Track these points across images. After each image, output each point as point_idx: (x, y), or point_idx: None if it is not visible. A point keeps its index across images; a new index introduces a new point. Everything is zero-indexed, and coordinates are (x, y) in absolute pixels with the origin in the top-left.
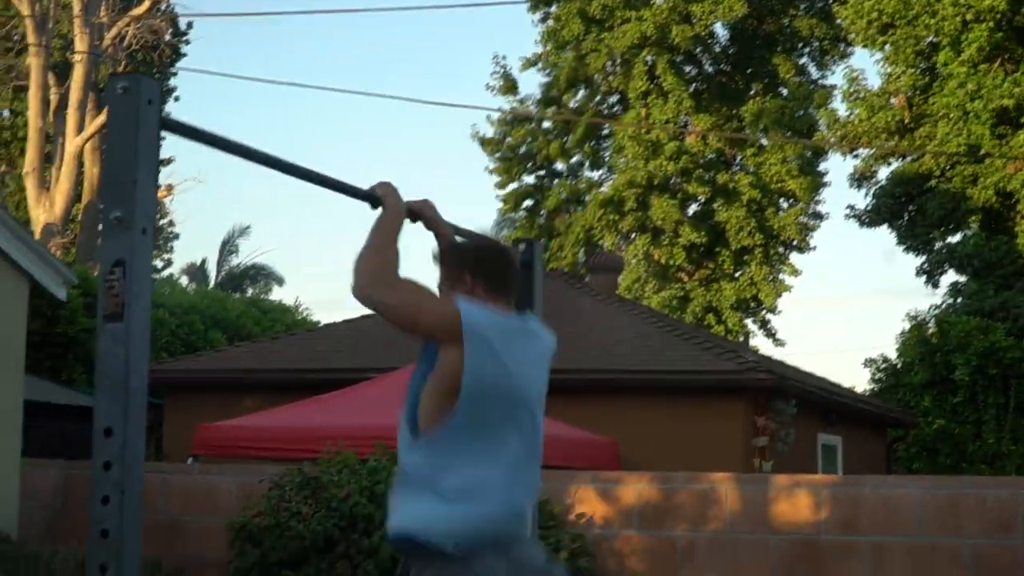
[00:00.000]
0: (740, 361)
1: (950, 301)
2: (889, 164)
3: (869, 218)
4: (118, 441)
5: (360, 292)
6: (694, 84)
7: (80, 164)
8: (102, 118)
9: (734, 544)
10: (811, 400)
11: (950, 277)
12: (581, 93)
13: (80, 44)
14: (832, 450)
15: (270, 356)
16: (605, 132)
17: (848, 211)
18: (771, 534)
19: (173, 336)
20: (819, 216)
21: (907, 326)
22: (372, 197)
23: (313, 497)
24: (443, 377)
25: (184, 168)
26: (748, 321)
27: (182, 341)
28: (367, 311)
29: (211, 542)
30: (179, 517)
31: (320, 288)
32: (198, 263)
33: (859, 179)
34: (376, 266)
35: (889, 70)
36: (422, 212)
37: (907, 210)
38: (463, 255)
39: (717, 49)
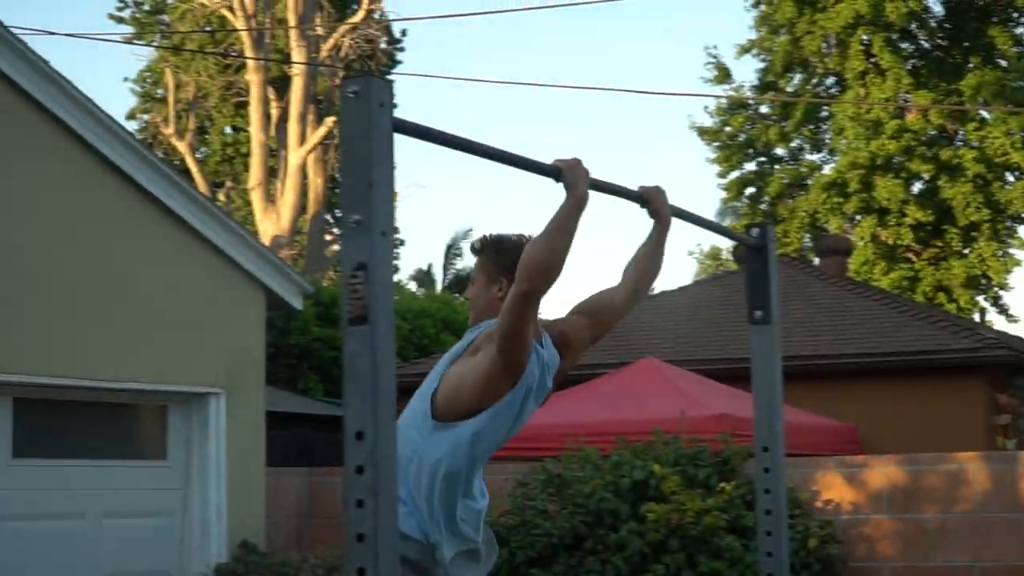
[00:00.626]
0: (978, 338)
1: None
2: None
3: None
4: (369, 444)
5: (522, 285)
6: (911, 61)
7: (304, 176)
8: (324, 129)
9: (987, 525)
10: None
11: None
12: (798, 77)
13: (297, 57)
14: None
15: None
16: (824, 114)
17: None
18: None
19: (406, 341)
20: None
21: None
22: (556, 172)
23: (558, 494)
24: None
25: (404, 174)
26: (980, 299)
27: (415, 345)
28: None
29: None
30: None
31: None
32: (425, 268)
33: None
34: (542, 261)
35: None
36: (653, 199)
37: None
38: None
39: (933, 24)
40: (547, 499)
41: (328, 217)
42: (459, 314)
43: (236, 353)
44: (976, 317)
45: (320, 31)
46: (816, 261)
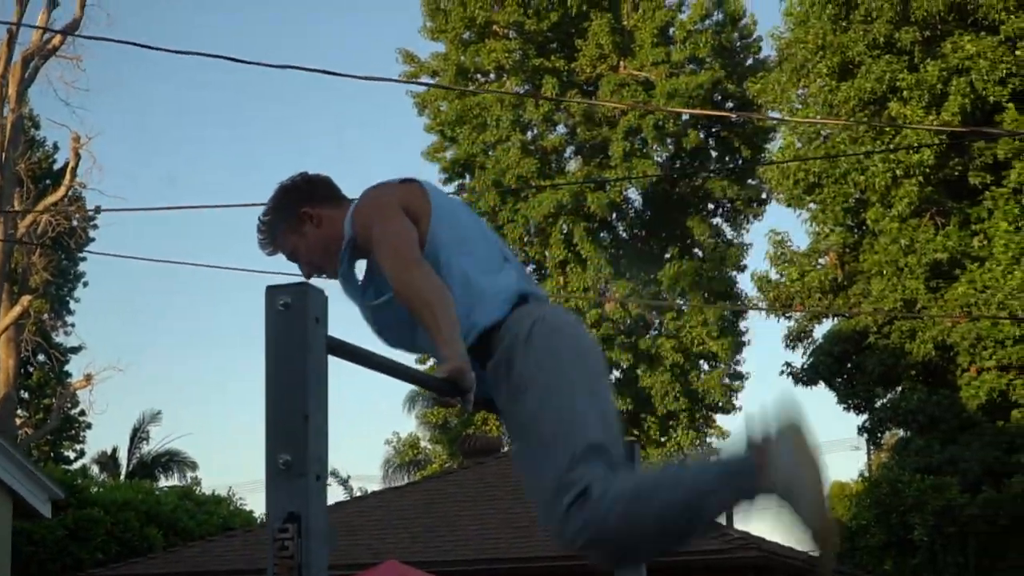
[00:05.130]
0: (727, 539)
1: (895, 458)
2: (822, 323)
3: (807, 376)
4: None
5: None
6: (611, 250)
7: None
8: (18, 308)
9: None
10: (794, 574)
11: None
12: None
13: None
14: None
15: (227, 555)
16: None
17: (784, 368)
18: None
19: (108, 536)
20: (741, 376)
21: (844, 482)
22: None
23: None
24: None
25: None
26: None
27: (117, 540)
28: None
29: None
30: None
31: (237, 471)
32: (109, 452)
33: (794, 339)
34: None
35: (818, 228)
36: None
37: (845, 368)
38: (290, 192)
39: (632, 214)
40: None
41: (16, 398)
42: (164, 505)
43: None
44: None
45: (17, 206)
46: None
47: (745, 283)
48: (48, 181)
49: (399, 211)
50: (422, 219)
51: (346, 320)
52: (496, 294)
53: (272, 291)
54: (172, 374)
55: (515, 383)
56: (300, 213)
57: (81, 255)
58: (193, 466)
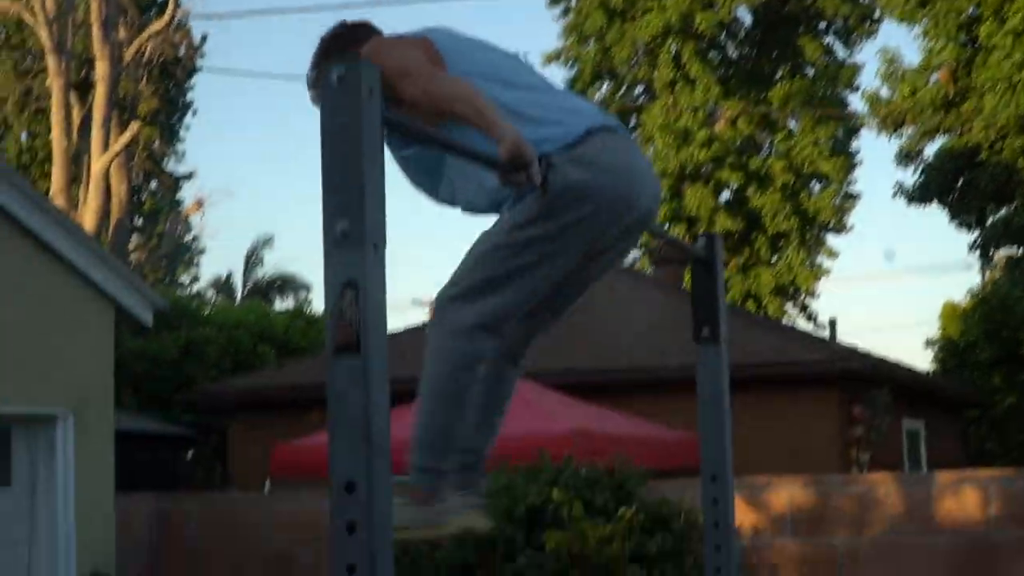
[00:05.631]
0: (831, 350)
1: (1005, 275)
2: (935, 140)
3: (919, 194)
4: (363, 497)
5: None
6: (721, 70)
7: (107, 183)
8: (128, 135)
9: (898, 548)
10: (896, 386)
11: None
12: (606, 86)
13: (101, 62)
14: (915, 435)
15: None
16: (633, 124)
17: (896, 188)
18: (937, 535)
19: (223, 353)
20: (853, 196)
21: (956, 302)
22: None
23: None
24: None
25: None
26: (788, 306)
27: (231, 358)
28: (423, 316)
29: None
30: (289, 549)
31: None
32: (224, 276)
33: (906, 157)
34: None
35: (930, 44)
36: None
37: (956, 185)
38: (332, 42)
39: (742, 34)
40: None
41: (131, 224)
42: (276, 325)
43: (84, 373)
44: (832, 328)
45: (123, 35)
46: (650, 271)
47: (857, 103)
48: (152, 10)
49: (400, 42)
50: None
51: None
52: None
53: (327, 65)
54: (283, 197)
55: None
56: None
57: (188, 84)
58: (307, 288)
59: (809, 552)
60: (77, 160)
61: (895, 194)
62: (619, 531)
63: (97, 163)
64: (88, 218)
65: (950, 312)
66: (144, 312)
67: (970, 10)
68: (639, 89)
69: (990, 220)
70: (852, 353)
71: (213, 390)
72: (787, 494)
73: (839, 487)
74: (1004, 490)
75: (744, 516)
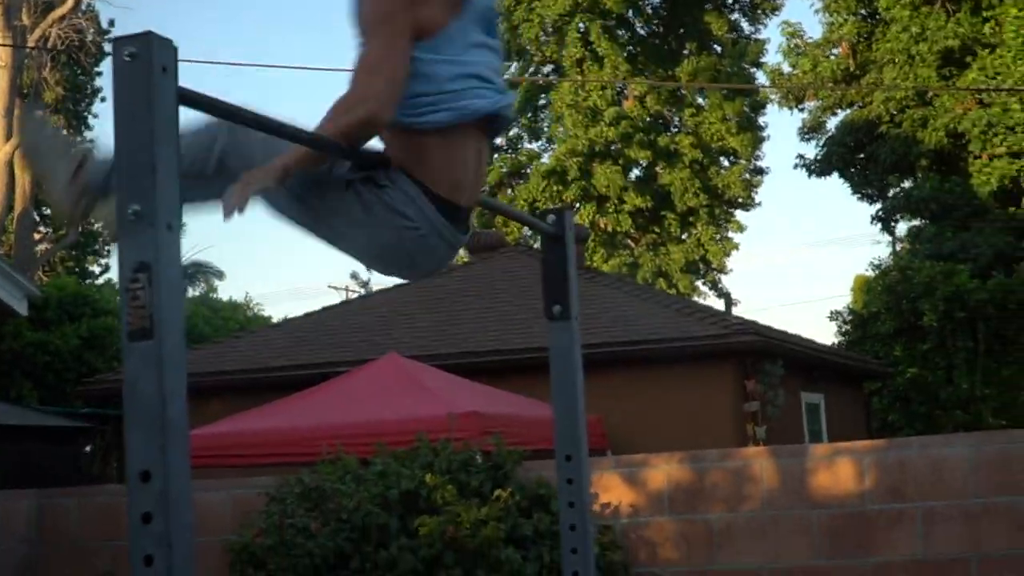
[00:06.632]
0: (724, 325)
1: (908, 247)
2: (836, 114)
3: (820, 168)
4: (158, 486)
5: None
6: (628, 48)
7: (11, 172)
8: None
9: (774, 522)
10: (794, 359)
11: (901, 224)
12: (515, 65)
13: (3, 48)
14: (815, 408)
15: (232, 356)
16: (542, 103)
17: (798, 161)
18: (813, 508)
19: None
20: (761, 172)
21: (857, 275)
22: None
23: (317, 509)
24: None
25: None
26: (699, 283)
27: None
28: (324, 303)
29: (210, 563)
30: None
31: (264, 281)
32: None
33: (808, 131)
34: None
35: (831, 19)
36: None
37: (858, 158)
38: None
39: (649, 10)
40: (306, 515)
41: (36, 215)
42: None
43: None
44: (727, 301)
45: (26, 21)
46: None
47: (763, 79)
48: None
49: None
50: None
51: None
52: None
53: (117, 42)
54: None
55: None
56: None
57: (97, 69)
58: (220, 275)
59: (686, 529)
60: None
61: (796, 166)
62: (494, 513)
63: (1, 152)
64: None
65: (862, 285)
66: (18, 302)
67: None
68: (547, 68)
69: (891, 192)
70: (747, 327)
71: (110, 381)
72: (664, 471)
73: (716, 462)
74: (879, 462)
75: (622, 494)
